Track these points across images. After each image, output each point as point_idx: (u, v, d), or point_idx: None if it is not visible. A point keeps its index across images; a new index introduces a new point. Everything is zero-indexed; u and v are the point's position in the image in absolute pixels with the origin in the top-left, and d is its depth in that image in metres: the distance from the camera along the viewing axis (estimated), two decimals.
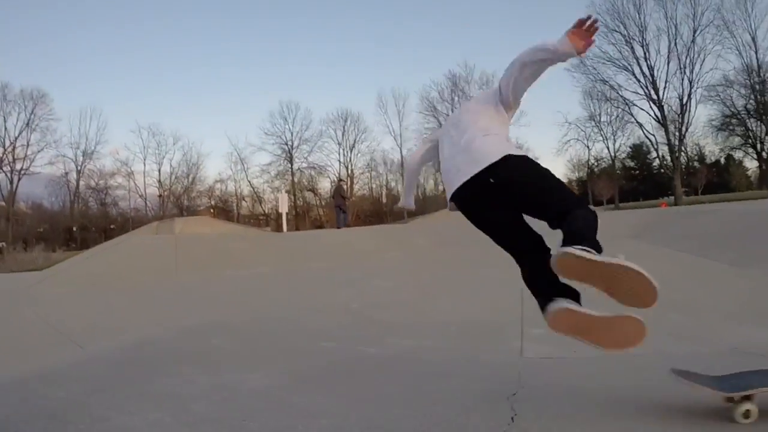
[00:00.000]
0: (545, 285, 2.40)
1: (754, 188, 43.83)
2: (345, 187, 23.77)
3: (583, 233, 2.14)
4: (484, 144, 2.51)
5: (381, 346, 4.11)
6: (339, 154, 51.66)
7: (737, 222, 10.19)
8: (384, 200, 53.35)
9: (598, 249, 2.07)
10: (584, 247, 2.02)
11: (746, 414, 1.99)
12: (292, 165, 50.42)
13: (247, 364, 3.17)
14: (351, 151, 51.81)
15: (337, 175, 50.31)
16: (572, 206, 2.28)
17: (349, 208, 20.57)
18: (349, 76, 74.14)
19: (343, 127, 51.41)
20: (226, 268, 9.04)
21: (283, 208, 22.44)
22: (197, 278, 7.76)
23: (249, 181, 51.23)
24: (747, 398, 2.00)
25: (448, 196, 2.61)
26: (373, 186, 54.59)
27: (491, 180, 2.41)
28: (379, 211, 51.00)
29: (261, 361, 3.33)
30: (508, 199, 2.46)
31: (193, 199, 49.46)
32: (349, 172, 51.07)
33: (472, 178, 2.41)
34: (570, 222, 2.21)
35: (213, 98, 73.21)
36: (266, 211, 50.94)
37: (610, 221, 16.72)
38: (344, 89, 76.90)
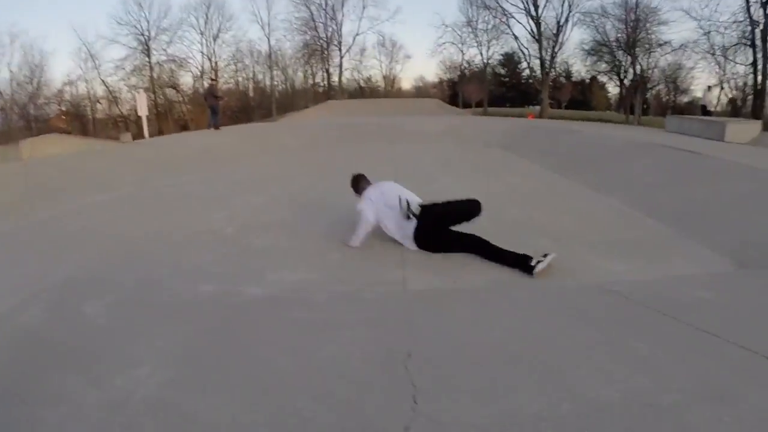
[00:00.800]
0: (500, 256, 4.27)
1: (612, 110, 47.51)
2: (217, 87, 21.84)
3: None
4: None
5: (262, 285, 3.90)
6: (202, 45, 46.64)
7: (599, 146, 10.88)
8: (251, 94, 50.03)
9: None
10: None
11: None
12: (150, 58, 44.12)
13: (131, 349, 2.66)
14: (215, 42, 46.23)
15: (199, 68, 45.68)
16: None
17: (221, 108, 19.09)
18: None
19: (206, 15, 45.36)
20: (87, 193, 7.88)
21: (143, 111, 19.78)
22: (57, 213, 6.65)
23: (102, 80, 44.04)
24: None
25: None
26: (239, 79, 50.02)
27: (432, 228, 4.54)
28: (246, 106, 47.71)
29: (145, 340, 2.79)
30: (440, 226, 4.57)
31: (40, 107, 40.64)
32: (213, 64, 45.98)
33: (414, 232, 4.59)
34: None
35: None
36: (125, 113, 44.71)
37: (483, 129, 17.37)
38: None
